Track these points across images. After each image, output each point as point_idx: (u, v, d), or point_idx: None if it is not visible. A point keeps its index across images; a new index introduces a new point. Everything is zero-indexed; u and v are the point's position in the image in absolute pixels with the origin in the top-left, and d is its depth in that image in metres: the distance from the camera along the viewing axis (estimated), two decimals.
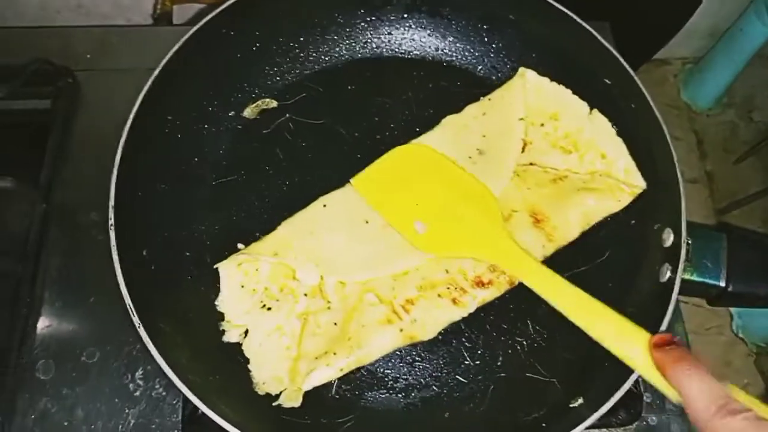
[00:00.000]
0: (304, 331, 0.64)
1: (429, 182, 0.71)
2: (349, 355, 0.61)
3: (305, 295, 0.65)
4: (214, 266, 0.66)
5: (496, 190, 0.70)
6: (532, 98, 0.76)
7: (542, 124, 0.75)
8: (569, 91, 0.75)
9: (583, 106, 0.74)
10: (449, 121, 0.75)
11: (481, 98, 0.77)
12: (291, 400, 0.60)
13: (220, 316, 0.64)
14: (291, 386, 0.61)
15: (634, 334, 0.53)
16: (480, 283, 0.65)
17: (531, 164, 0.73)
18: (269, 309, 0.64)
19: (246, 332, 0.64)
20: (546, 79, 0.76)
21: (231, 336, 0.64)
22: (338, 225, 0.68)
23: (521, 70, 0.77)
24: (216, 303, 0.65)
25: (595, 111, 0.73)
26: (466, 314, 0.65)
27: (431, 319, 0.64)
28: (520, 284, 0.67)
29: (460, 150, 0.73)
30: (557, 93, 0.75)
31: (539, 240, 0.67)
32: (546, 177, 0.71)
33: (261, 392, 0.61)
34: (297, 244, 0.67)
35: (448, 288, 0.65)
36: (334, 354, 0.61)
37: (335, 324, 0.64)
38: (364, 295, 0.65)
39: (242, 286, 0.65)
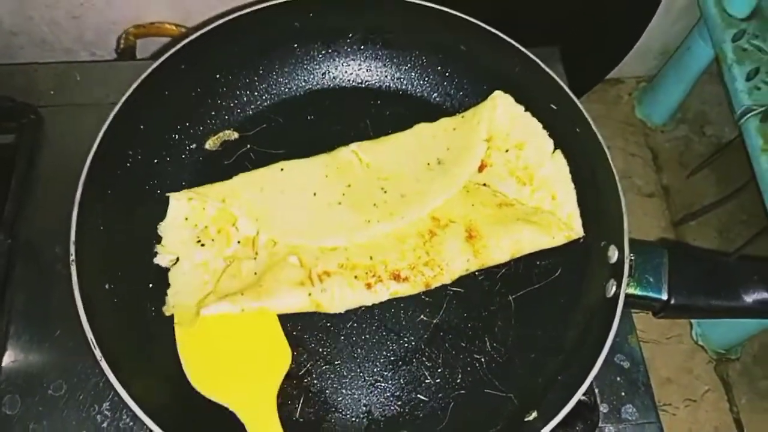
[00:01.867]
0: (225, 272, 0.68)
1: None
2: (255, 300, 0.66)
3: (238, 242, 0.70)
4: (166, 194, 0.71)
5: (439, 198, 0.74)
6: (503, 123, 0.78)
7: (507, 150, 0.77)
8: (540, 125, 0.76)
9: (549, 143, 0.75)
10: (421, 128, 0.79)
11: (457, 114, 0.81)
12: (186, 321, 0.65)
13: (162, 253, 0.69)
14: (192, 310, 0.65)
15: None
16: (397, 277, 0.69)
17: (484, 184, 0.75)
18: (202, 245, 0.70)
19: (177, 260, 0.69)
20: (521, 108, 0.78)
21: (162, 260, 0.69)
22: (288, 190, 0.73)
23: (495, 93, 0.79)
24: (157, 226, 0.70)
25: (558, 152, 0.75)
26: (376, 301, 0.69)
27: (341, 295, 0.67)
28: (479, 301, 0.70)
29: (420, 155, 0.77)
30: (527, 123, 0.77)
31: (465, 254, 0.70)
32: (493, 200, 0.74)
33: (167, 314, 0.66)
34: (245, 196, 0.72)
35: (367, 273, 0.68)
36: (242, 294, 0.66)
37: (255, 273, 0.68)
38: (289, 256, 0.69)
39: (186, 219, 0.71)
